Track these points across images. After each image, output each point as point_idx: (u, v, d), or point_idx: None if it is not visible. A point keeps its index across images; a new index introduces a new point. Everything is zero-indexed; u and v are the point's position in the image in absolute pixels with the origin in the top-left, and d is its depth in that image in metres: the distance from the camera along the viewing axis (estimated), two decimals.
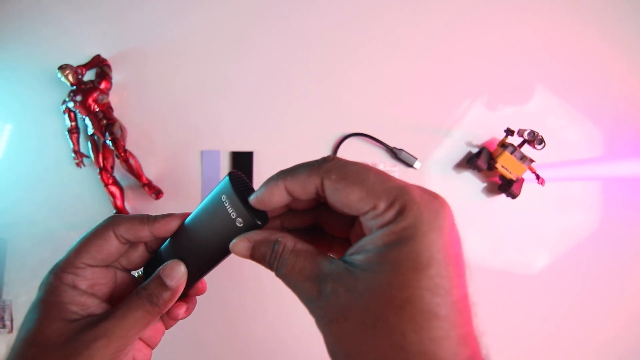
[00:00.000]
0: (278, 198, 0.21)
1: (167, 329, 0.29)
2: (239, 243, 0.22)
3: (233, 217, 0.22)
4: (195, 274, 0.25)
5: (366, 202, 0.18)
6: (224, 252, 0.23)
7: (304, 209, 0.24)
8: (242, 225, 0.22)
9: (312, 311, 0.19)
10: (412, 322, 0.16)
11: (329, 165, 0.19)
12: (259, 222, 0.22)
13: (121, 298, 0.25)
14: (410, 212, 0.17)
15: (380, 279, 0.17)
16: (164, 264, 0.24)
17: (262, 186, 0.21)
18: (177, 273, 0.24)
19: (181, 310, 0.26)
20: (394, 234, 0.17)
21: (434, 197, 0.18)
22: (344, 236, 0.24)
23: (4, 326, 0.53)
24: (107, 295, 0.26)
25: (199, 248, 0.24)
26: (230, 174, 0.23)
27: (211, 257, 0.24)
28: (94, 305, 0.24)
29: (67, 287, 0.24)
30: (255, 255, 0.22)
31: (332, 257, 0.20)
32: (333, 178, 0.19)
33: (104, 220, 0.25)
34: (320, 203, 0.22)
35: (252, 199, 0.22)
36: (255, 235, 0.22)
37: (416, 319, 0.16)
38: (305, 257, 0.20)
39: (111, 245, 0.25)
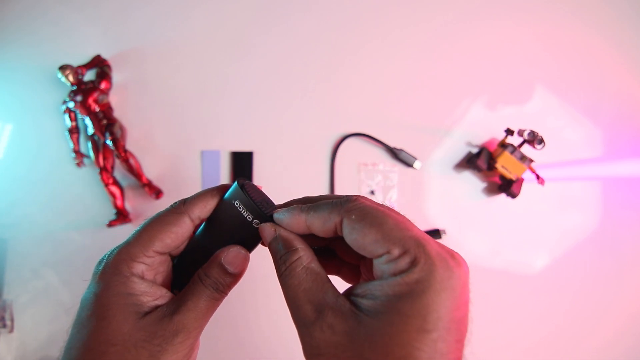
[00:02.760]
0: (297, 228, 0.22)
1: None
2: (268, 227, 0.23)
3: (249, 220, 0.24)
4: None
5: (380, 246, 0.18)
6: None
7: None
8: (259, 225, 0.23)
9: (302, 335, 0.19)
10: None
11: (351, 205, 0.20)
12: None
13: (165, 281, 0.25)
14: (424, 266, 0.17)
15: (383, 331, 0.17)
16: (223, 250, 0.24)
17: (285, 211, 0.22)
18: (240, 260, 0.24)
19: None
20: (405, 284, 0.17)
21: (450, 255, 0.18)
22: (355, 263, 0.25)
23: (4, 326, 0.53)
24: (165, 282, 0.25)
25: (214, 250, 0.25)
26: (238, 181, 0.24)
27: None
28: (160, 295, 0.23)
29: (137, 278, 0.22)
30: (272, 245, 0.22)
31: (339, 292, 0.20)
32: (353, 218, 0.19)
33: (174, 206, 0.24)
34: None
35: (276, 217, 0.23)
36: (283, 231, 0.22)
37: None
38: (315, 280, 0.20)
39: (185, 230, 0.24)
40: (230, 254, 0.24)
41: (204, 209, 0.24)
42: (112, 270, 0.22)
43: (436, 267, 0.17)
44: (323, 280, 0.20)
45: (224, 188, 0.25)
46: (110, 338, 0.21)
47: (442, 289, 0.17)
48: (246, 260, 0.24)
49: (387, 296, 0.17)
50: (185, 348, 0.22)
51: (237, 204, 0.24)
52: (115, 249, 0.23)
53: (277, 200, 0.26)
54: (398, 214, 0.20)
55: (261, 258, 0.27)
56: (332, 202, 0.21)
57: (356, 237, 0.19)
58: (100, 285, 0.22)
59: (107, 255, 0.23)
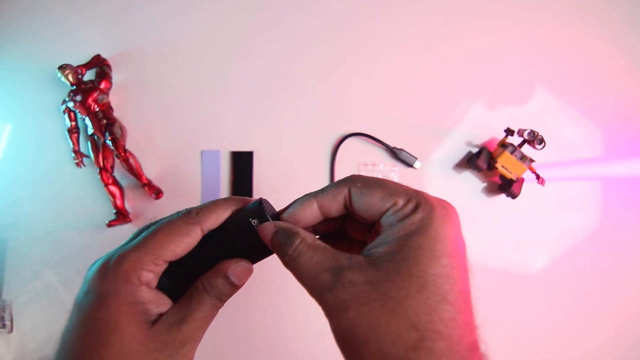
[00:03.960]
0: (309, 214, 0.23)
1: None
2: (267, 225, 0.23)
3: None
4: None
5: (387, 200, 0.21)
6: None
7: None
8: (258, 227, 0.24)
9: (325, 301, 0.19)
10: (425, 304, 0.18)
11: (354, 177, 0.23)
12: None
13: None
14: (425, 207, 0.20)
15: (400, 267, 0.19)
16: (230, 262, 0.24)
17: (293, 203, 0.24)
18: (246, 274, 0.24)
19: None
20: (413, 223, 0.20)
21: (444, 201, 0.22)
22: (362, 239, 0.26)
23: (4, 326, 0.53)
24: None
25: (216, 260, 0.25)
26: (261, 200, 0.25)
27: None
28: (163, 302, 0.23)
29: (145, 286, 0.22)
30: (275, 239, 0.22)
31: (349, 254, 0.21)
32: (358, 185, 0.22)
33: (184, 214, 0.24)
34: (344, 216, 0.24)
35: (285, 215, 0.24)
36: (281, 223, 0.23)
37: (429, 302, 0.18)
38: (323, 252, 0.21)
39: (194, 240, 0.24)
40: (238, 268, 0.24)
41: (216, 220, 0.24)
42: (122, 278, 0.21)
43: (435, 207, 0.20)
44: (331, 250, 0.21)
45: (235, 201, 0.25)
46: (125, 349, 0.20)
47: (442, 223, 0.20)
48: (250, 273, 0.25)
49: (399, 237, 0.19)
50: (192, 357, 0.23)
51: (254, 222, 0.24)
52: (120, 252, 0.23)
53: (278, 202, 0.26)
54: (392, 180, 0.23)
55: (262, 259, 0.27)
56: (336, 182, 0.23)
57: (365, 200, 0.21)
58: (108, 293, 0.21)
59: (112, 259, 0.22)
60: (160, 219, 0.25)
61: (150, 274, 0.22)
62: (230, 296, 0.24)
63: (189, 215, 0.24)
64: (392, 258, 0.19)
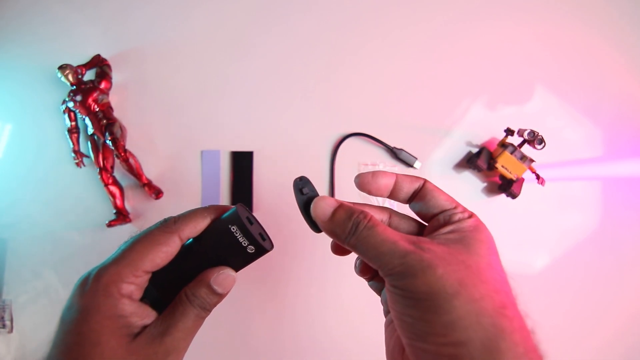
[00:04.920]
0: (386, 181, 0.26)
1: None
2: (328, 199, 0.24)
3: (244, 245, 0.25)
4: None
5: (451, 203, 0.25)
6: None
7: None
8: (253, 251, 0.25)
9: (409, 261, 0.21)
10: (499, 277, 0.22)
11: (425, 179, 0.27)
12: (269, 248, 0.25)
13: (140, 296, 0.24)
14: (475, 216, 0.25)
15: (470, 249, 0.22)
16: (212, 271, 0.24)
17: (370, 173, 0.26)
18: (229, 282, 0.24)
19: None
20: (472, 225, 0.24)
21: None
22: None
23: (3, 326, 0.53)
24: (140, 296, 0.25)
25: (199, 269, 0.25)
26: (237, 206, 0.25)
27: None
28: (147, 314, 0.23)
29: (126, 299, 0.22)
30: (338, 213, 0.24)
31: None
32: (432, 184, 0.26)
33: (162, 224, 0.24)
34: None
35: (359, 178, 0.26)
36: (344, 202, 0.25)
37: (499, 277, 0.22)
38: (394, 228, 0.25)
39: (175, 250, 0.24)
40: (220, 277, 0.24)
41: (194, 229, 0.24)
42: (102, 292, 0.21)
43: (480, 220, 0.25)
44: (399, 229, 0.26)
45: (215, 210, 0.25)
46: None
47: (487, 230, 0.25)
48: (234, 282, 0.25)
49: (462, 230, 0.24)
50: None
51: (234, 229, 0.24)
52: (99, 267, 0.23)
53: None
54: None
55: (261, 258, 0.27)
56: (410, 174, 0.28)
57: (435, 194, 0.25)
58: (89, 308, 0.21)
59: (92, 274, 0.22)
60: (140, 232, 0.25)
61: (131, 286, 0.22)
62: (215, 305, 0.24)
63: (166, 225, 0.24)
64: (461, 242, 0.23)
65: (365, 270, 0.28)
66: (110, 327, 0.21)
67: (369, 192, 0.26)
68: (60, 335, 0.22)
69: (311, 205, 0.24)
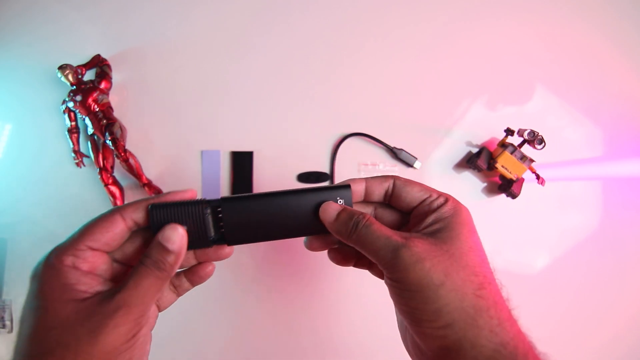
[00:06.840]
0: (358, 189, 0.29)
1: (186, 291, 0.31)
2: (333, 204, 0.28)
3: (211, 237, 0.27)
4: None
5: (425, 193, 0.28)
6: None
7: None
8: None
9: (401, 255, 0.24)
10: (477, 259, 0.26)
11: (396, 176, 0.30)
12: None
13: (111, 278, 0.26)
14: (451, 200, 0.28)
15: (452, 236, 0.26)
16: (160, 230, 0.25)
17: (349, 180, 0.30)
18: (175, 236, 0.25)
19: (209, 268, 0.30)
20: (449, 210, 0.27)
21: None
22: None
23: (3, 326, 0.53)
24: (108, 278, 0.26)
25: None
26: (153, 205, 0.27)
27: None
28: (99, 284, 0.25)
29: (69, 268, 0.24)
30: (341, 215, 0.27)
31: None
32: (402, 180, 0.29)
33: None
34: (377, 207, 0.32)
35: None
36: (346, 206, 0.28)
37: (477, 259, 0.26)
38: (386, 225, 0.27)
39: (117, 227, 0.25)
40: (165, 231, 0.25)
41: (137, 209, 0.26)
42: (45, 266, 0.24)
43: (456, 200, 0.28)
44: (384, 219, 0.30)
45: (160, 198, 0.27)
46: (49, 323, 0.22)
47: (465, 210, 0.28)
48: (183, 237, 0.25)
49: (442, 218, 0.27)
50: (128, 322, 0.23)
51: (207, 212, 0.27)
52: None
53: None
54: None
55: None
56: (381, 174, 0.30)
57: (407, 189, 0.29)
58: (37, 282, 0.24)
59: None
60: None
61: (70, 257, 0.24)
62: (171, 265, 0.25)
63: (112, 208, 0.26)
64: (444, 230, 0.26)
65: (339, 258, 0.32)
66: (54, 293, 0.23)
67: None
68: (20, 314, 0.24)
69: (319, 210, 0.28)
